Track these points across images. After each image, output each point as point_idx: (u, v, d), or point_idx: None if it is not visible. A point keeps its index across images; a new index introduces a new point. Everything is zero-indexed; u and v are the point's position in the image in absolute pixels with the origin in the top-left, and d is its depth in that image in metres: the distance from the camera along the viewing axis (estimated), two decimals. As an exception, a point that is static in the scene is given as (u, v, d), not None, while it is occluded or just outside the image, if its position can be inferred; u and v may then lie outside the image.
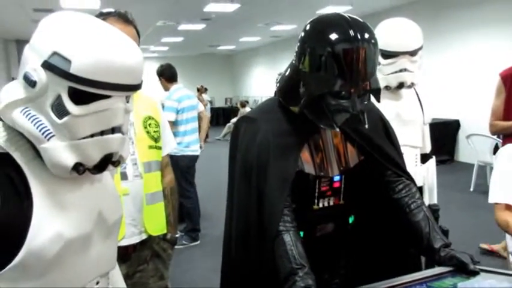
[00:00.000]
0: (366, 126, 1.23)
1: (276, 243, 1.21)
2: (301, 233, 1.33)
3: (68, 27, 0.86)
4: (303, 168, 1.34)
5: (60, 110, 0.84)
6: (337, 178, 1.40)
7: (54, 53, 0.83)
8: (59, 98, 0.84)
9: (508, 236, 1.88)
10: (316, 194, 1.38)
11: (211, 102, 15.06)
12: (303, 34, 1.27)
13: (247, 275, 1.31)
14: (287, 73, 1.36)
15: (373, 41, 1.18)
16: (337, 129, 1.26)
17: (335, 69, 1.17)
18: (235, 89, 18.36)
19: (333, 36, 1.17)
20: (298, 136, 1.33)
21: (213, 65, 18.01)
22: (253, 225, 1.28)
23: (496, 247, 3.62)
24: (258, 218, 1.26)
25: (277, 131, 1.32)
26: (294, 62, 1.31)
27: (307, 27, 1.27)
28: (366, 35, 1.17)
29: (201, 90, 12.65)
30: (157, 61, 14.63)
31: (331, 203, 1.41)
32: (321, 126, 1.30)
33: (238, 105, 13.07)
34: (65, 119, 0.84)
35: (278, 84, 1.40)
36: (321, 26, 1.23)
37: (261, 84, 15.80)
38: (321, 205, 1.40)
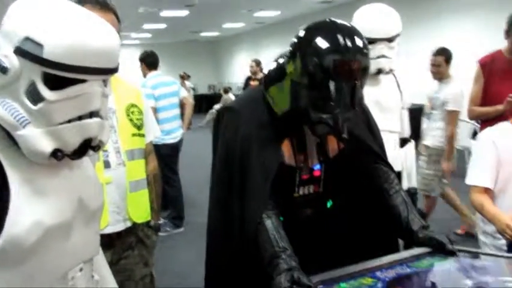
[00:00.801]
0: (345, 136, 1.23)
1: (258, 229, 1.23)
2: (281, 219, 1.35)
3: (39, 11, 0.84)
4: (284, 160, 1.35)
5: (34, 96, 0.83)
6: (317, 167, 1.43)
7: (26, 38, 0.82)
8: (33, 84, 0.83)
9: (479, 216, 1.94)
10: (297, 183, 1.40)
11: (194, 89, 14.95)
12: (297, 38, 1.25)
13: (231, 265, 1.33)
14: (274, 69, 1.36)
15: (366, 65, 1.18)
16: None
17: (323, 90, 1.16)
18: (219, 75, 18.26)
19: (326, 60, 1.15)
20: (280, 128, 1.34)
21: (196, 51, 17.84)
22: (235, 218, 1.30)
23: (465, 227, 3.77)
24: (241, 210, 1.28)
25: (260, 123, 1.33)
26: (282, 62, 1.31)
27: (302, 33, 1.25)
28: (360, 62, 1.16)
29: (184, 77, 12.54)
30: (139, 48, 14.43)
31: (311, 191, 1.44)
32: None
33: (221, 92, 13.01)
34: (40, 105, 0.83)
35: (263, 77, 1.40)
36: (315, 38, 1.19)
37: (245, 70, 15.76)
38: (301, 193, 1.42)
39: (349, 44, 1.15)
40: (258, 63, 6.70)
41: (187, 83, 12.67)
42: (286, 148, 1.36)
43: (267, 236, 1.21)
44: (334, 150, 1.44)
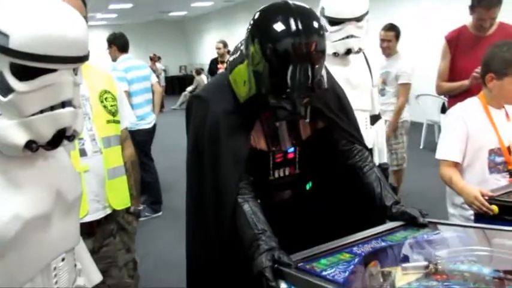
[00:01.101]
0: (307, 120, 1.24)
1: (236, 214, 1.25)
2: (259, 201, 1.38)
3: (4, 0, 0.82)
4: (256, 145, 1.37)
5: (3, 88, 0.81)
6: (291, 150, 1.45)
7: None
8: (1, 75, 0.81)
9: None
10: (271, 166, 1.42)
11: (165, 71, 14.71)
12: (251, 23, 1.23)
13: (210, 252, 1.36)
14: (236, 54, 1.36)
15: (321, 48, 1.17)
16: (277, 124, 1.29)
17: (280, 75, 1.15)
18: (190, 56, 17.97)
19: (280, 45, 1.13)
20: (249, 114, 1.35)
21: (165, 32, 17.46)
22: (208, 205, 1.32)
23: None
24: (214, 198, 1.31)
25: (228, 111, 1.33)
26: (241, 48, 1.31)
27: (255, 17, 1.23)
28: (313, 45, 1.14)
29: (154, 59, 12.32)
30: (105, 29, 13.99)
31: (287, 173, 1.47)
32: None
33: (194, 73, 12.86)
34: (10, 96, 0.81)
35: (228, 62, 1.40)
36: (268, 23, 1.18)
37: (215, 50, 15.56)
38: (276, 175, 1.45)
39: (302, 26, 1.14)
40: (225, 44, 6.28)
41: (158, 65, 12.45)
42: (257, 133, 1.38)
43: (245, 219, 1.24)
44: (306, 133, 1.47)
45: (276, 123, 1.32)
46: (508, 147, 1.89)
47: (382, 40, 3.88)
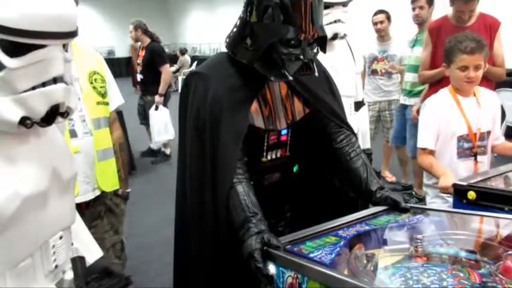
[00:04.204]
0: (316, 74, 1.28)
1: (229, 194, 1.27)
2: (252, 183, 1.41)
3: None
4: (253, 122, 1.39)
5: None
6: (284, 132, 1.48)
7: None
8: None
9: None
10: (265, 147, 1.45)
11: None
12: None
13: (202, 228, 1.36)
14: (235, 28, 1.37)
15: None
16: (290, 78, 1.29)
17: (283, 17, 1.20)
18: (173, 36, 17.66)
19: None
20: (248, 90, 1.37)
21: (147, 9, 17.01)
22: (207, 181, 1.33)
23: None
24: (212, 173, 1.31)
25: (228, 86, 1.35)
26: (241, 15, 1.33)
27: None
28: None
29: (137, 38, 12.07)
30: (85, 4, 13.59)
31: (278, 155, 1.50)
32: (271, 78, 1.32)
33: (178, 54, 12.68)
34: (2, 73, 0.82)
35: (227, 40, 1.42)
36: None
37: (199, 30, 15.35)
38: (269, 157, 1.48)
39: None
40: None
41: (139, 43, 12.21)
42: (254, 110, 1.40)
43: (238, 201, 1.26)
44: (300, 113, 1.49)
45: (289, 78, 1.31)
46: (476, 133, 1.99)
47: (375, 23, 3.91)
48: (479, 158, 2.01)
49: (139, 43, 5.14)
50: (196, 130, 1.37)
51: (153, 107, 4.96)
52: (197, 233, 1.39)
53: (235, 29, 1.37)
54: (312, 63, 1.28)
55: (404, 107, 3.79)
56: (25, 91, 0.85)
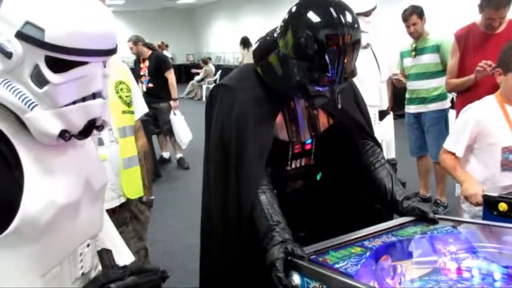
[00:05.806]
0: (339, 106, 1.28)
1: (253, 204, 1.28)
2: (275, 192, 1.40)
3: None
4: (278, 135, 1.40)
5: (39, 79, 0.85)
6: (309, 141, 1.48)
7: (27, 23, 0.83)
8: (36, 67, 0.85)
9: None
10: (290, 157, 1.45)
11: (172, 59, 14.66)
12: (293, 13, 1.26)
13: (228, 243, 1.37)
14: (263, 44, 1.37)
15: (359, 38, 1.22)
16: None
17: (317, 59, 1.20)
18: (197, 45, 17.92)
19: (321, 34, 1.18)
20: (274, 104, 1.38)
21: (172, 20, 17.40)
22: (231, 194, 1.34)
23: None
24: (237, 186, 1.32)
25: (254, 100, 1.36)
26: (275, 36, 1.32)
27: (293, 10, 1.27)
28: (354, 35, 1.20)
29: (162, 47, 12.28)
30: (114, 16, 13.92)
31: (303, 164, 1.50)
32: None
33: (201, 63, 12.84)
34: (46, 88, 0.85)
35: (256, 48, 1.41)
36: (307, 12, 1.22)
37: (223, 39, 15.50)
38: (293, 166, 1.48)
39: (341, 17, 1.19)
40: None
41: (166, 53, 12.41)
42: (279, 123, 1.41)
43: (262, 210, 1.26)
44: (324, 125, 1.49)
45: (314, 110, 1.39)
46: None
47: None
48: None
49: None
50: (221, 143, 1.38)
51: (172, 112, 5.13)
52: (222, 244, 1.41)
53: (264, 45, 1.37)
54: (338, 98, 1.27)
55: (416, 116, 3.66)
56: (66, 105, 0.87)
